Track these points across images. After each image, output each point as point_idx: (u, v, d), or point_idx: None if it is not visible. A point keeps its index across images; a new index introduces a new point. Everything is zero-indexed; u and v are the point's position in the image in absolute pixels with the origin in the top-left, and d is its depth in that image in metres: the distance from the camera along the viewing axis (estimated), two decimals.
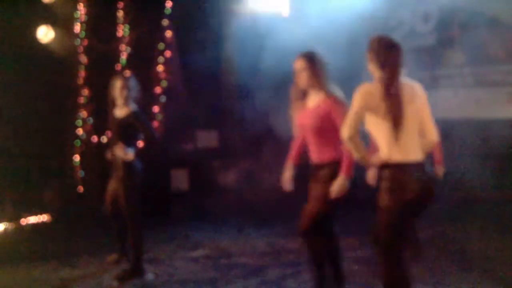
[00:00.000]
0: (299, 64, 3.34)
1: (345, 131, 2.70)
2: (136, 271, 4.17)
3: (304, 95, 3.41)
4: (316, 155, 3.34)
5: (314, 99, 3.35)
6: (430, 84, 5.79)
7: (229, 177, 7.50)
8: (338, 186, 3.18)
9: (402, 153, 2.67)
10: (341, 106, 3.22)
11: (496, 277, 3.87)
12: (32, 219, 6.42)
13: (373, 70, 2.79)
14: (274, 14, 6.84)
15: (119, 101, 4.23)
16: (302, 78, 3.31)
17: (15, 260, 4.78)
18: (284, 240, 5.27)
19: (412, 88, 2.75)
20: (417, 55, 5.96)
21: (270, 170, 6.55)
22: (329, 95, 3.28)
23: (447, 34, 6.00)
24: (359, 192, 6.10)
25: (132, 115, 4.16)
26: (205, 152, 7.43)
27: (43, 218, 6.52)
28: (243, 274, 4.23)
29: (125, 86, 4.20)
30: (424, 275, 3.98)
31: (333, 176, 3.22)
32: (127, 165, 4.11)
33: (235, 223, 6.11)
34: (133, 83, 4.31)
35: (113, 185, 4.30)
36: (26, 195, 6.43)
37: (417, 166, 2.69)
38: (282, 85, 6.14)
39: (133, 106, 4.24)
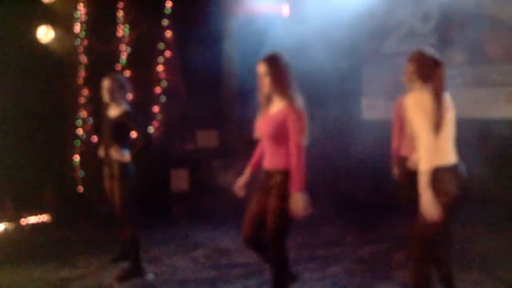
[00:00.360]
0: (261, 69, 3.18)
1: (430, 139, 2.80)
2: (136, 270, 4.18)
3: (269, 100, 3.26)
4: (269, 162, 3.22)
5: (277, 105, 3.21)
6: None
7: (229, 177, 7.49)
8: (295, 204, 3.03)
9: (440, 157, 2.85)
10: (298, 115, 3.10)
11: (496, 277, 3.88)
12: (32, 219, 6.42)
13: (412, 80, 3.02)
14: (274, 14, 6.85)
15: (107, 101, 4.28)
16: (265, 83, 3.17)
17: (15, 260, 4.78)
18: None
19: (447, 99, 3.03)
20: None
21: None
22: (290, 102, 3.12)
23: (447, 34, 6.00)
24: (359, 193, 6.11)
25: (125, 115, 4.18)
26: (205, 152, 7.43)
27: (43, 218, 6.51)
28: (243, 274, 4.24)
29: (112, 86, 4.24)
30: None
31: (284, 185, 3.11)
32: (123, 165, 4.13)
33: (235, 223, 6.10)
34: (122, 82, 4.33)
35: (109, 185, 4.32)
36: (26, 195, 6.43)
37: (453, 169, 2.89)
38: None
39: (125, 106, 4.26)
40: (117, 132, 4.18)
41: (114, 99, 4.24)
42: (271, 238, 3.18)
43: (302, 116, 3.11)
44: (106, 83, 4.25)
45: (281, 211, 3.11)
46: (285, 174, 3.12)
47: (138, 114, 4.30)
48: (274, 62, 3.16)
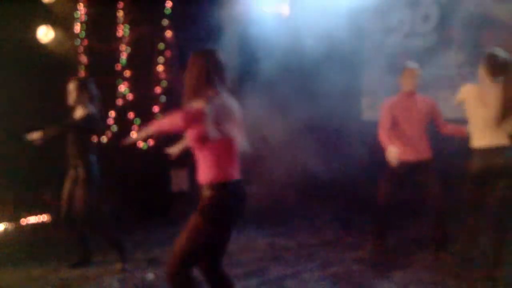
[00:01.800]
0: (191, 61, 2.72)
1: None
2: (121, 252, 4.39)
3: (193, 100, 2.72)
4: (199, 174, 2.75)
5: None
6: (430, 84, 5.79)
7: None
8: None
9: None
10: (189, 111, 2.60)
11: (496, 277, 3.87)
12: (32, 219, 6.42)
13: None
14: (273, 14, 6.84)
15: (70, 103, 4.34)
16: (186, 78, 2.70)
17: (15, 260, 4.79)
18: (284, 240, 5.27)
19: None
20: (417, 55, 5.97)
21: (269, 170, 6.55)
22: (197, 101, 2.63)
23: (447, 34, 6.00)
24: (359, 193, 6.10)
25: (84, 118, 4.24)
26: None
27: (43, 218, 6.51)
28: (243, 274, 4.23)
29: (75, 89, 4.31)
30: (424, 275, 3.98)
31: (208, 202, 2.61)
32: (87, 169, 4.31)
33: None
34: (86, 85, 4.39)
35: (69, 187, 4.44)
36: (26, 195, 6.43)
37: None
38: (282, 85, 6.15)
39: (90, 109, 4.31)
40: (78, 134, 4.24)
41: (78, 101, 4.31)
42: (175, 265, 2.59)
43: (195, 112, 2.58)
44: (69, 86, 4.33)
45: (196, 233, 2.59)
46: (212, 188, 2.64)
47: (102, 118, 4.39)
48: (196, 56, 2.70)
